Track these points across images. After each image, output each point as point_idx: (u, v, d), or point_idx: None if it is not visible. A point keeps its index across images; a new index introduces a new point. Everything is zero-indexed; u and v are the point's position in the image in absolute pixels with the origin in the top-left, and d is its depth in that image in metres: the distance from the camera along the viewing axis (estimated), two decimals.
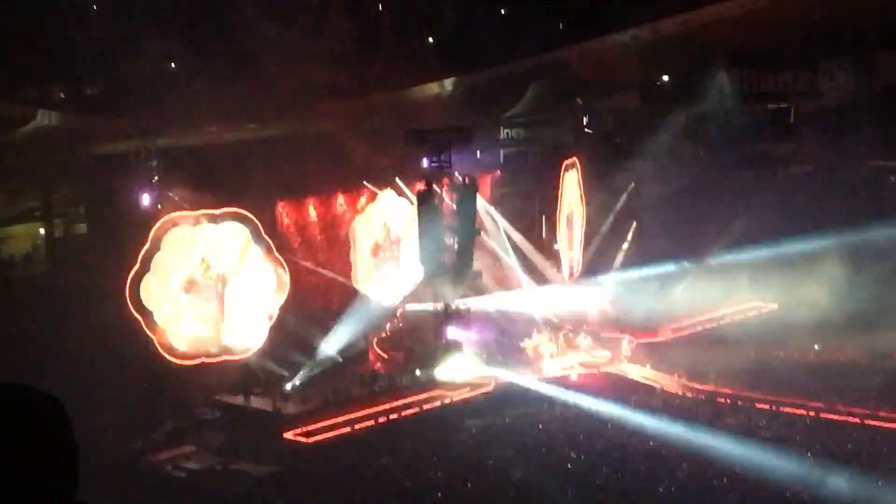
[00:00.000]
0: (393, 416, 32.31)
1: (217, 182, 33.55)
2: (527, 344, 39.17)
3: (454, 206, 37.12)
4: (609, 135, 50.32)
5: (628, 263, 46.00)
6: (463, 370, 36.12)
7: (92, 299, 31.55)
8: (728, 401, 33.32)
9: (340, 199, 40.92)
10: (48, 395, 2.89)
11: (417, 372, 35.93)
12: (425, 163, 37.34)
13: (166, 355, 32.50)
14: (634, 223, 46.40)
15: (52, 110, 35.26)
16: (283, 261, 35.19)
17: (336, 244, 40.51)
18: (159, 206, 34.01)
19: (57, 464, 2.81)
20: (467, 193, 37.07)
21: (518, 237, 44.97)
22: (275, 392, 33.76)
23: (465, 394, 34.79)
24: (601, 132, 50.05)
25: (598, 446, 29.19)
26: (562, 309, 43.11)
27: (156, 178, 34.58)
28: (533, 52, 45.04)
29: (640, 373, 36.92)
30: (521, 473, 26.80)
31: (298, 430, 31.04)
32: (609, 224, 47.02)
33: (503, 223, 44.22)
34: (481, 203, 41.01)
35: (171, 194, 34.23)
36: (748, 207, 43.09)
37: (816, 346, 37.56)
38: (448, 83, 44.54)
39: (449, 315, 37.25)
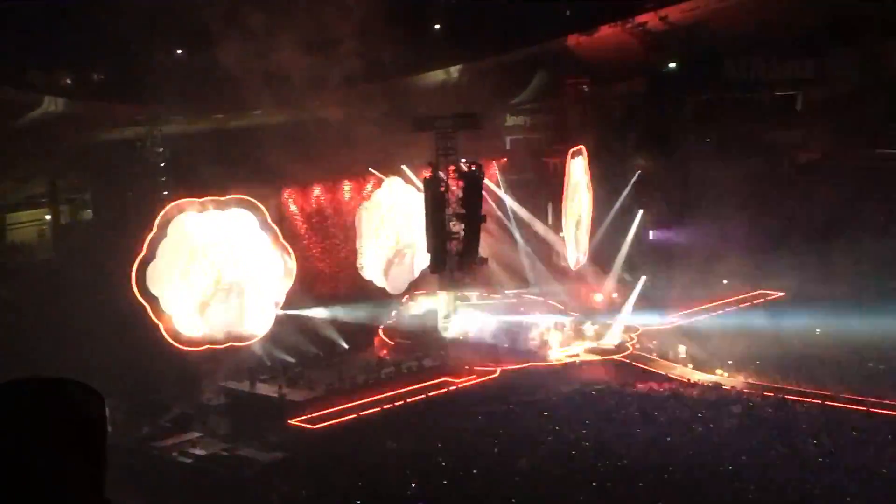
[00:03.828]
0: (398, 403, 32.35)
1: (223, 168, 33.51)
2: (533, 331, 39.20)
3: (460, 193, 37.11)
4: (615, 122, 50.19)
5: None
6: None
7: (98, 285, 31.60)
8: (733, 388, 33.36)
9: (346, 186, 40.88)
10: (92, 390, 2.91)
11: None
12: (432, 150, 37.36)
13: (172, 341, 32.57)
14: (641, 211, 46.33)
15: (58, 96, 35.25)
16: (289, 247, 35.22)
17: (342, 231, 40.49)
18: (165, 192, 34.03)
19: (90, 461, 2.84)
20: (473, 180, 37.03)
21: (527, 218, 45.06)
22: (281, 378, 33.84)
23: (470, 381, 34.86)
24: (608, 119, 49.91)
25: (604, 433, 29.24)
26: (568, 296, 43.18)
27: (162, 164, 34.62)
28: (540, 39, 44.96)
29: (647, 360, 36.91)
30: (527, 460, 26.87)
31: (304, 417, 31.10)
32: (615, 211, 46.94)
33: (517, 208, 44.36)
34: (493, 189, 41.18)
35: (176, 180, 34.24)
36: (753, 194, 43.04)
37: (818, 331, 37.52)
38: (455, 70, 44.47)
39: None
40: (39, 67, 36.79)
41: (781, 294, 42.45)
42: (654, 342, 38.26)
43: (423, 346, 37.47)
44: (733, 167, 44.04)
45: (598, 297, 43.78)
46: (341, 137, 37.12)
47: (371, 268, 40.37)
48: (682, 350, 36.75)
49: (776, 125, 49.76)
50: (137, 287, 31.68)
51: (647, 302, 41.95)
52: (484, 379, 35.07)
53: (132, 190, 35.94)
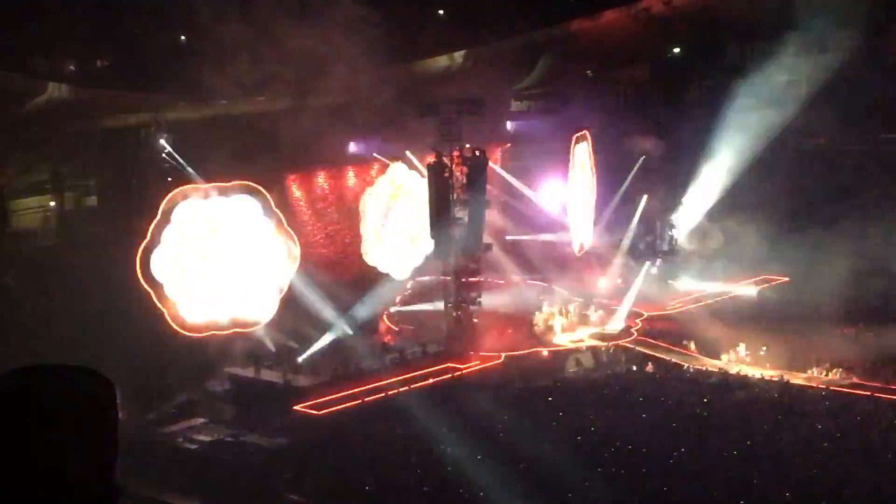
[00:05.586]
0: (403, 389, 32.37)
1: (227, 155, 33.47)
2: (537, 317, 39.18)
3: (464, 179, 37.04)
4: (620, 107, 50.08)
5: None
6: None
7: (103, 272, 31.62)
8: (739, 374, 33.37)
9: (351, 172, 40.84)
10: (103, 378, 2.91)
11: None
12: (436, 135, 37.27)
13: (177, 328, 32.59)
14: (645, 196, 46.25)
15: (62, 83, 35.20)
16: (293, 233, 35.19)
17: (346, 217, 40.47)
18: (169, 178, 33.99)
19: (101, 447, 2.84)
20: (478, 165, 36.95)
21: (531, 204, 45.06)
22: (285, 365, 33.87)
23: (475, 366, 34.88)
24: (612, 105, 49.80)
25: (609, 418, 29.25)
26: (572, 282, 43.14)
27: (166, 150, 34.58)
28: (544, 25, 44.81)
29: (650, 345, 36.90)
30: (532, 445, 26.88)
31: (309, 403, 31.14)
32: (619, 197, 46.87)
33: (522, 193, 44.36)
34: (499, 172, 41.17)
35: (180, 167, 34.21)
36: (758, 180, 42.95)
37: (820, 316, 37.39)
38: (459, 55, 44.33)
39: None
40: (43, 54, 36.74)
41: (785, 279, 42.39)
42: (659, 327, 38.25)
43: (427, 332, 37.50)
44: (738, 153, 43.91)
45: (602, 283, 43.78)
46: (345, 123, 37.08)
47: (375, 253, 40.36)
48: (741, 349, 35.12)
49: (780, 110, 49.58)
50: (142, 273, 31.66)
51: (652, 285, 41.97)
52: (488, 365, 35.09)
53: (136, 176, 35.94)
